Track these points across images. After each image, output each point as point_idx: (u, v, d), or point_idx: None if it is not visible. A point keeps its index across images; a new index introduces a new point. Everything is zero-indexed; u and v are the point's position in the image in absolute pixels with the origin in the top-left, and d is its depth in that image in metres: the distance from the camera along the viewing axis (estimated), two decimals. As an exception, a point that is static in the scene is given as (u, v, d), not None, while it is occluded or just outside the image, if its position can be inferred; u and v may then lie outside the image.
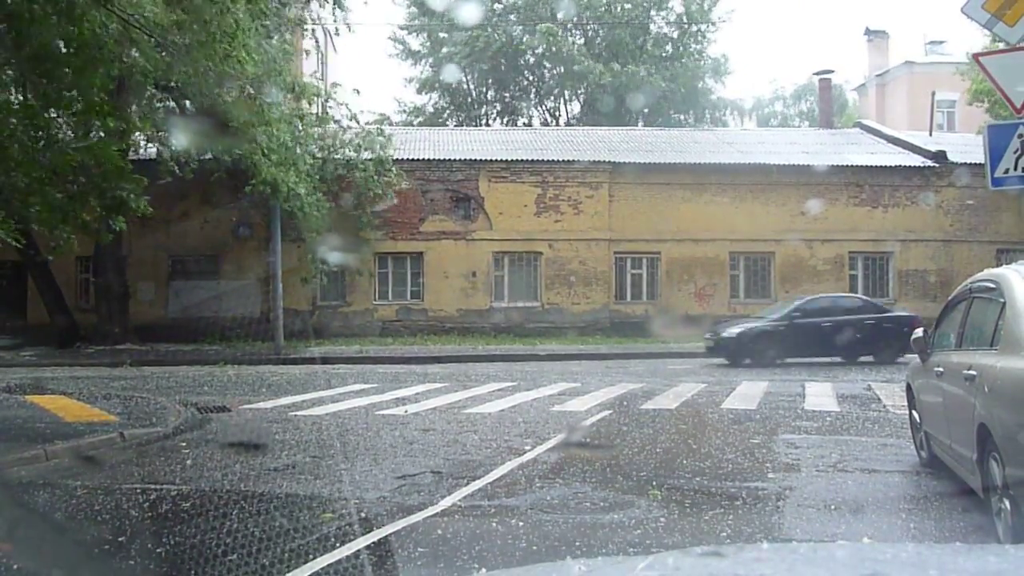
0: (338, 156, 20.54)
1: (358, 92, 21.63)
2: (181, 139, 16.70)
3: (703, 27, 39.76)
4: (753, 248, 23.33)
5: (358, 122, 21.18)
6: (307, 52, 23.79)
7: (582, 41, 39.83)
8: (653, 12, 39.74)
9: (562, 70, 39.10)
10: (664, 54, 40.29)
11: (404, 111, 42.07)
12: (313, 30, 22.37)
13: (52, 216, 10.39)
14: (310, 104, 19.37)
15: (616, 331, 21.99)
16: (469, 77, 41.35)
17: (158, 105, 17.87)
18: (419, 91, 42.07)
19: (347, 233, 20.33)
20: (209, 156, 17.46)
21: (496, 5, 39.77)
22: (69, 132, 11.40)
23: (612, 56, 37.89)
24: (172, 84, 15.02)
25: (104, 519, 5.36)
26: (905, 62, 38.70)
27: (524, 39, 38.76)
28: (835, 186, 23.35)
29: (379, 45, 77.39)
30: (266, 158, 15.94)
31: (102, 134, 10.80)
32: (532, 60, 40.96)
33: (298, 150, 17.80)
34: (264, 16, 14.04)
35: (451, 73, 39.51)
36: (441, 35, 40.06)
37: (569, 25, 39.42)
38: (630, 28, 38.90)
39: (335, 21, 21.17)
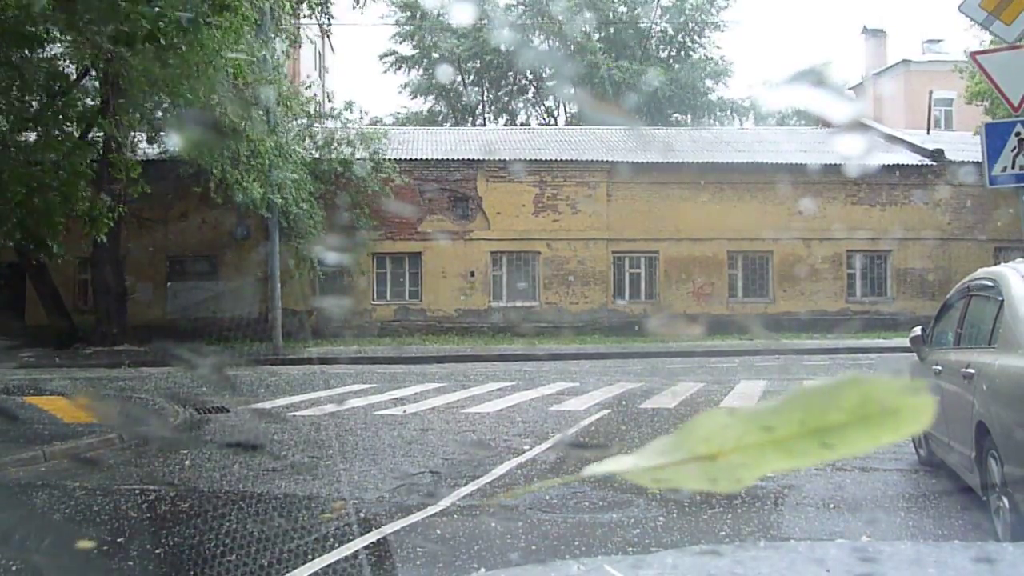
0: (333, 156, 20.50)
1: (351, 105, 21.66)
2: (175, 140, 16.65)
3: (707, 30, 39.77)
4: (751, 247, 23.33)
5: (352, 114, 21.14)
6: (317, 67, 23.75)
7: (580, 39, 39.77)
8: (655, 13, 39.76)
9: (561, 68, 39.03)
10: (666, 55, 40.25)
11: (399, 118, 41.97)
12: (309, 40, 22.31)
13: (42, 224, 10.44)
14: (302, 109, 19.31)
15: (614, 330, 21.99)
16: (465, 78, 41.27)
17: (152, 105, 17.80)
18: (413, 96, 42.04)
19: (344, 233, 20.29)
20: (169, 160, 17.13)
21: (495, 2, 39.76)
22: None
23: (613, 54, 37.83)
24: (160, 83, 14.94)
25: (103, 520, 5.35)
26: (902, 60, 38.64)
27: (521, 36, 38.71)
28: (833, 185, 23.37)
29: (377, 50, 77.21)
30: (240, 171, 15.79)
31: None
32: (530, 59, 40.87)
33: (288, 154, 17.72)
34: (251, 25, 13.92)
35: (446, 74, 39.36)
36: (432, 39, 39.84)
37: (574, 23, 39.34)
38: (632, 28, 38.87)
39: (327, 23, 21.12)
